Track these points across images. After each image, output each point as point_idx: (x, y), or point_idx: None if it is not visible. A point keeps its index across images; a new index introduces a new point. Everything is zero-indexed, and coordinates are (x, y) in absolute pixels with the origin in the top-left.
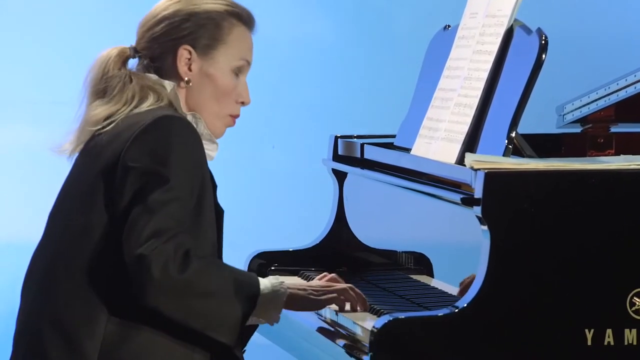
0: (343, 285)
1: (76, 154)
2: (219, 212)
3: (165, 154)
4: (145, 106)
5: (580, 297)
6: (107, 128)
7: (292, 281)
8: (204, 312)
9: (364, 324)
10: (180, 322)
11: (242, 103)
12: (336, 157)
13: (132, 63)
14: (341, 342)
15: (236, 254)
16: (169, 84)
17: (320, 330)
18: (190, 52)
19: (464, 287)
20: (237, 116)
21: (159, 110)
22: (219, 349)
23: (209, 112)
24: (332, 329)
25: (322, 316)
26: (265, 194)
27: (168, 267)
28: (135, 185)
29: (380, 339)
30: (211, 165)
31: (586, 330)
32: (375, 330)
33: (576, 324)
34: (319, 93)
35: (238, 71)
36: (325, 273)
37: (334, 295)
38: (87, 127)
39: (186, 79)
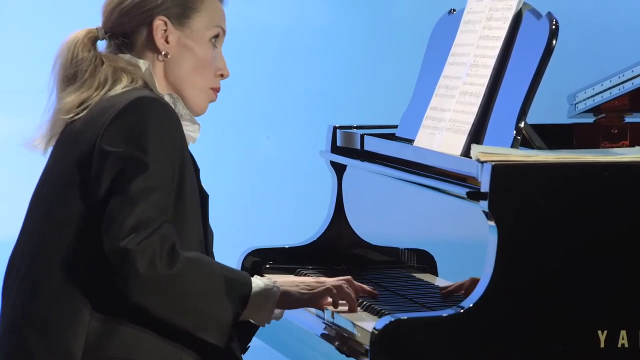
0: (335, 280)
1: (51, 147)
2: (203, 197)
3: (142, 138)
4: (119, 88)
5: (593, 296)
6: (81, 114)
7: (284, 279)
8: (191, 310)
9: (364, 325)
10: (166, 321)
11: (222, 76)
12: (335, 149)
13: (101, 46)
14: (339, 344)
15: (229, 251)
16: (143, 64)
17: (317, 331)
18: (165, 23)
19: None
20: (218, 90)
21: (135, 92)
22: (209, 347)
23: (191, 87)
24: (329, 331)
25: (319, 317)
26: (259, 188)
27: (154, 262)
28: (112, 172)
29: (380, 341)
30: (202, 157)
31: (599, 332)
32: (375, 331)
33: (588, 325)
34: (317, 81)
35: (215, 41)
36: (340, 277)
37: (328, 287)
38: (60, 116)
39: (164, 52)
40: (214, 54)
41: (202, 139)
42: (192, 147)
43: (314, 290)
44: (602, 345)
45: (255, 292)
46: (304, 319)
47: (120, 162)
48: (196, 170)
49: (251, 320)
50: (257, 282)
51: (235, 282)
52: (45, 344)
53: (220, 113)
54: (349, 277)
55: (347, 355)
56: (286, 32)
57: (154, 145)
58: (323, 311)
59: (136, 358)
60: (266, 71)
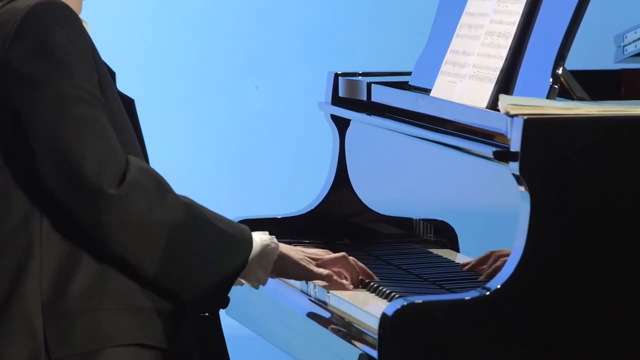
0: (338, 255)
1: None
2: (128, 102)
3: (59, 52)
4: None
5: None
6: None
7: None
8: (180, 267)
9: (372, 309)
10: (146, 277)
11: None
12: (336, 100)
13: None
14: (342, 332)
15: None
16: None
17: (315, 317)
18: None
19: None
20: None
21: (22, 0)
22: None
23: None
24: (330, 317)
25: (314, 302)
26: (246, 147)
27: (151, 205)
28: (33, 95)
29: (391, 329)
30: (177, 111)
31: None
32: (385, 317)
33: (638, 310)
34: (314, 19)
35: None
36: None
37: (333, 263)
38: None
39: None
40: None
41: (176, 90)
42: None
43: (317, 266)
44: None
45: (254, 250)
46: (296, 301)
47: (41, 84)
48: (111, 73)
49: (244, 282)
50: (254, 237)
51: (234, 238)
52: None
53: (197, 58)
54: (343, 253)
55: (351, 346)
56: None
57: (73, 55)
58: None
59: (104, 302)
60: (253, 7)
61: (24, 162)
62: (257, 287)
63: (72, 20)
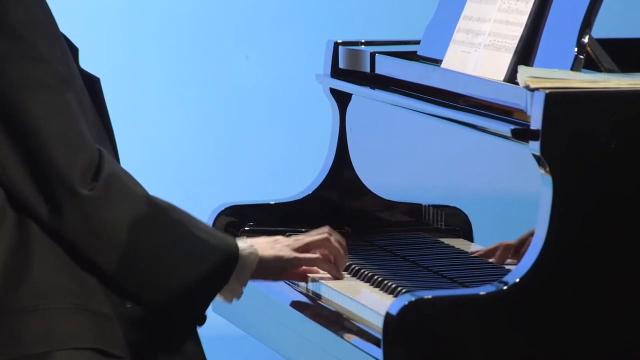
0: (321, 235)
1: None
2: (92, 81)
3: (20, 29)
4: None
5: None
6: None
7: (254, 240)
8: (146, 271)
9: (375, 306)
10: (113, 280)
11: None
12: (336, 72)
13: None
14: (342, 331)
15: (196, 208)
16: None
17: (312, 315)
18: None
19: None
20: None
21: None
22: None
23: None
24: (329, 315)
25: (312, 295)
26: (236, 125)
27: (125, 210)
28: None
29: (397, 327)
30: (158, 85)
31: None
32: (391, 315)
33: None
34: None
35: None
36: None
37: (317, 245)
38: None
39: None
40: None
41: (156, 61)
42: (150, 72)
43: (300, 253)
44: None
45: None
46: (287, 293)
47: (4, 63)
48: (73, 50)
49: (221, 296)
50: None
51: (212, 247)
52: None
53: (180, 25)
54: (324, 232)
55: (352, 345)
56: None
57: (36, 32)
58: (306, 282)
59: (58, 301)
60: None
61: None
62: (230, 302)
63: None
